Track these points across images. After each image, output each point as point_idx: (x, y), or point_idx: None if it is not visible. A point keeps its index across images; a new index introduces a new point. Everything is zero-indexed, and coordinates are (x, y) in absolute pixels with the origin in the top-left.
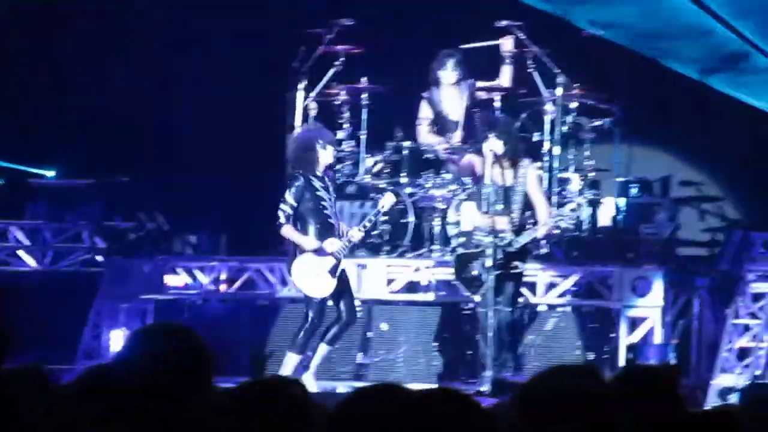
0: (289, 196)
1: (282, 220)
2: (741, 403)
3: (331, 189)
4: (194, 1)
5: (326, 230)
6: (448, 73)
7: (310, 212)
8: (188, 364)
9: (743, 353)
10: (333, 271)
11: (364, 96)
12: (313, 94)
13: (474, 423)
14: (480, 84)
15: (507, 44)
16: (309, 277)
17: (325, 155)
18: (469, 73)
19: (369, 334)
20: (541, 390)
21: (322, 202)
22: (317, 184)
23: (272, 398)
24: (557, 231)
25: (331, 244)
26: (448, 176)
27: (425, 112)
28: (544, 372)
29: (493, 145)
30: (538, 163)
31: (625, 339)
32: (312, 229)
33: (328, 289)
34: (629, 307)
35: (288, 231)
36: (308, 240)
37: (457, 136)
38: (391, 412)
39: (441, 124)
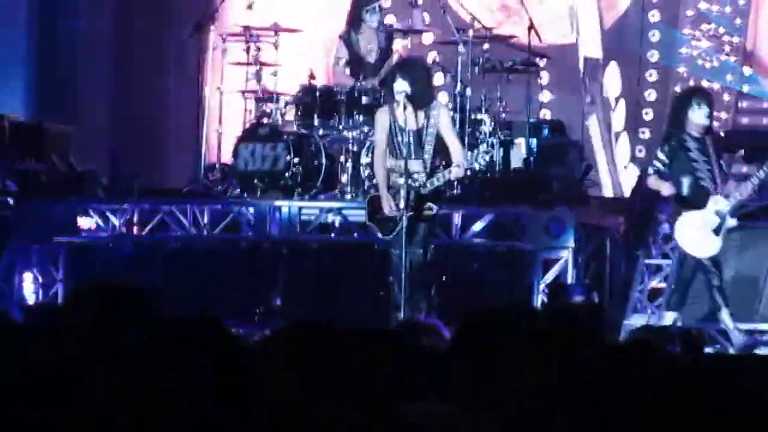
0: (661, 154)
1: (650, 171)
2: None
3: (710, 150)
4: None
5: (697, 193)
6: (376, 15)
7: (682, 172)
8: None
9: (655, 294)
10: (717, 231)
11: (276, 37)
12: (224, 35)
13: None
14: (395, 27)
15: None
16: (693, 233)
17: (698, 115)
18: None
19: (282, 275)
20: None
21: (694, 164)
22: (691, 144)
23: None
24: (470, 172)
25: (716, 203)
26: (360, 118)
27: (342, 52)
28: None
29: (403, 86)
30: (450, 104)
31: (540, 279)
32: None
33: (713, 248)
34: (542, 248)
35: (652, 180)
36: (665, 186)
37: (371, 78)
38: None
39: (356, 66)
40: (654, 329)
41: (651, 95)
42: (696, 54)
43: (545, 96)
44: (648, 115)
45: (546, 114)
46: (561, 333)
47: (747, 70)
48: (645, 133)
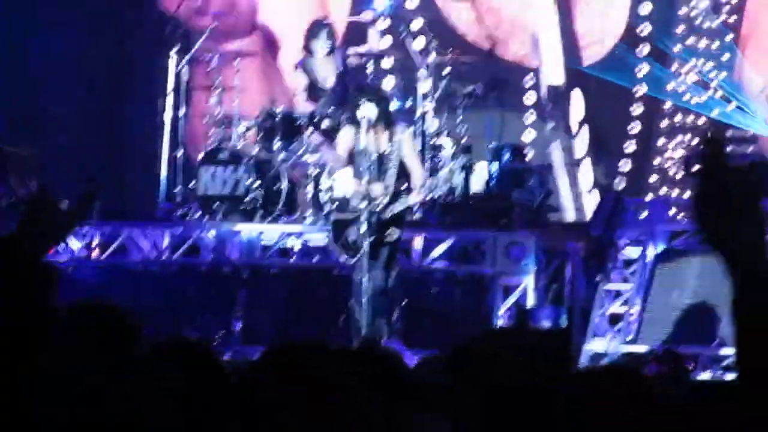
0: None
1: None
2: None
3: None
4: None
5: None
6: (322, 44)
7: None
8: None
9: (615, 318)
10: None
11: (237, 61)
12: (185, 60)
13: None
14: (351, 50)
15: (370, 14)
16: None
17: None
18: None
19: (243, 299)
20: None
21: None
22: None
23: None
24: (431, 197)
25: None
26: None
27: (299, 80)
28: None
29: (367, 110)
30: (412, 128)
31: (500, 304)
32: None
33: None
34: (502, 272)
35: None
36: None
37: (330, 104)
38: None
39: (315, 92)
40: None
41: (634, 128)
42: (681, 90)
43: (532, 115)
44: (629, 147)
45: (530, 134)
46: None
47: (731, 106)
48: (627, 165)
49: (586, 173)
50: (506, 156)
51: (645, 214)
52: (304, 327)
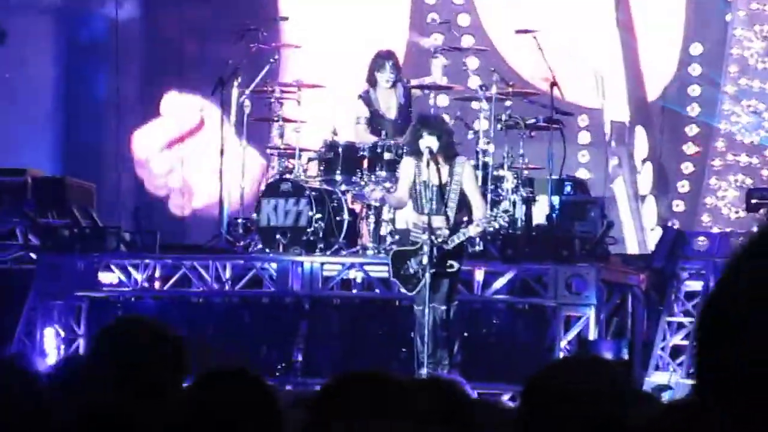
0: None
1: None
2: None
3: None
4: None
5: None
6: (386, 75)
7: None
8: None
9: (677, 351)
10: None
11: (299, 93)
12: (248, 91)
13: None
14: (414, 81)
15: (437, 40)
16: None
17: None
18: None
19: (304, 330)
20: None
21: None
22: None
23: (235, 389)
24: (492, 229)
25: None
26: (383, 173)
27: (361, 111)
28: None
29: (429, 142)
30: (473, 161)
31: (561, 336)
32: None
33: None
34: (564, 304)
35: None
36: None
37: (392, 135)
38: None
39: (377, 123)
40: None
41: (687, 168)
42: (734, 130)
43: (584, 156)
44: (683, 187)
45: (583, 173)
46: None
47: None
48: (684, 187)
49: (650, 210)
50: (567, 188)
51: (706, 246)
52: (365, 359)
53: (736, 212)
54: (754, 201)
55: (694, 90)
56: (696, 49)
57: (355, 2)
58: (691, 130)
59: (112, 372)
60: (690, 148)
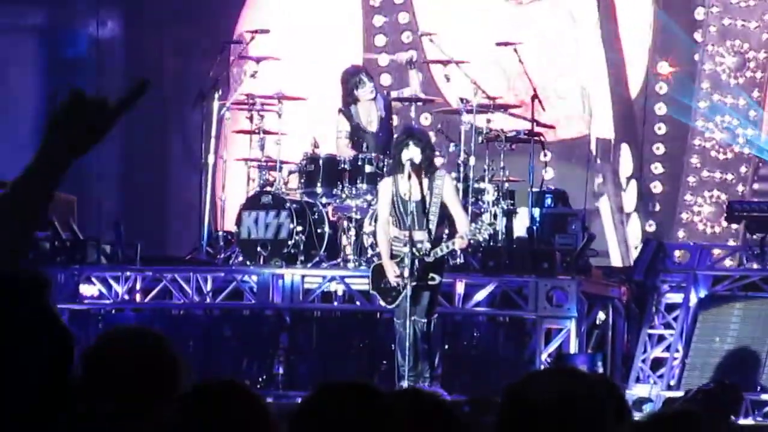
0: None
1: None
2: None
3: None
4: None
5: None
6: (368, 88)
7: None
8: (162, 369)
9: (657, 363)
10: None
11: (279, 105)
12: (228, 104)
13: (443, 424)
14: (394, 94)
15: (412, 55)
16: None
17: None
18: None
19: (285, 343)
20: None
21: None
22: None
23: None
24: (473, 242)
25: None
26: (364, 186)
27: (342, 125)
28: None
29: (412, 153)
30: (453, 174)
31: (542, 349)
32: None
33: None
34: (545, 317)
35: None
36: None
37: (374, 148)
38: (360, 410)
39: (358, 137)
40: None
41: (657, 187)
42: (708, 147)
43: (548, 174)
44: (656, 188)
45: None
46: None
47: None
48: (653, 225)
49: (635, 227)
50: (548, 200)
51: (687, 259)
52: (346, 372)
53: (712, 227)
54: (735, 213)
55: (660, 108)
56: (663, 68)
57: (324, 18)
58: (659, 149)
59: (100, 388)
60: (657, 168)
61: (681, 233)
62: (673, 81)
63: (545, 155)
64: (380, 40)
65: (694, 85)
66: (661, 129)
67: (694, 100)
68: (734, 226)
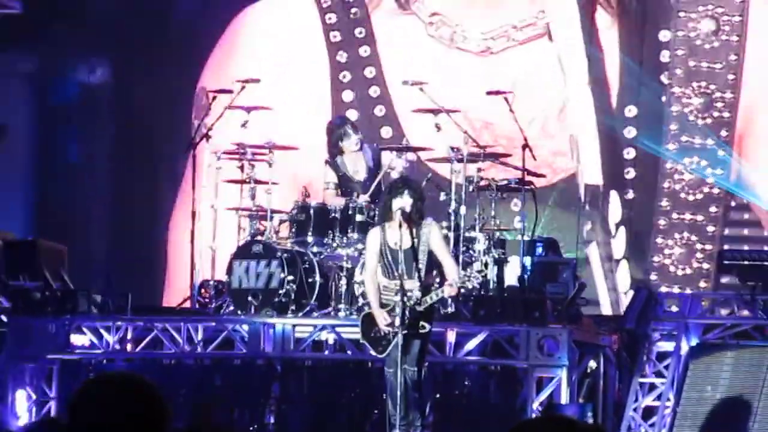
0: None
1: None
2: None
3: None
4: None
5: None
6: (353, 140)
7: None
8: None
9: (649, 412)
10: None
11: (270, 154)
12: (219, 153)
13: None
14: (383, 143)
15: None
16: None
17: None
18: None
19: (276, 392)
20: None
21: None
22: None
23: None
24: (463, 290)
25: None
26: (355, 235)
27: (330, 176)
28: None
29: (404, 202)
30: (443, 223)
31: (533, 398)
32: None
33: None
34: (536, 366)
35: None
36: None
37: (362, 197)
38: None
39: (346, 187)
40: None
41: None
42: (679, 188)
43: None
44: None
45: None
46: None
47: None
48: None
49: (624, 274)
50: (539, 249)
51: (678, 308)
52: (337, 421)
53: (683, 269)
54: (726, 262)
55: (629, 153)
56: (630, 111)
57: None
58: (627, 194)
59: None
60: (623, 215)
61: (653, 276)
62: (641, 124)
63: (516, 205)
64: (348, 96)
65: (663, 127)
66: (629, 173)
67: (663, 143)
68: (705, 266)
